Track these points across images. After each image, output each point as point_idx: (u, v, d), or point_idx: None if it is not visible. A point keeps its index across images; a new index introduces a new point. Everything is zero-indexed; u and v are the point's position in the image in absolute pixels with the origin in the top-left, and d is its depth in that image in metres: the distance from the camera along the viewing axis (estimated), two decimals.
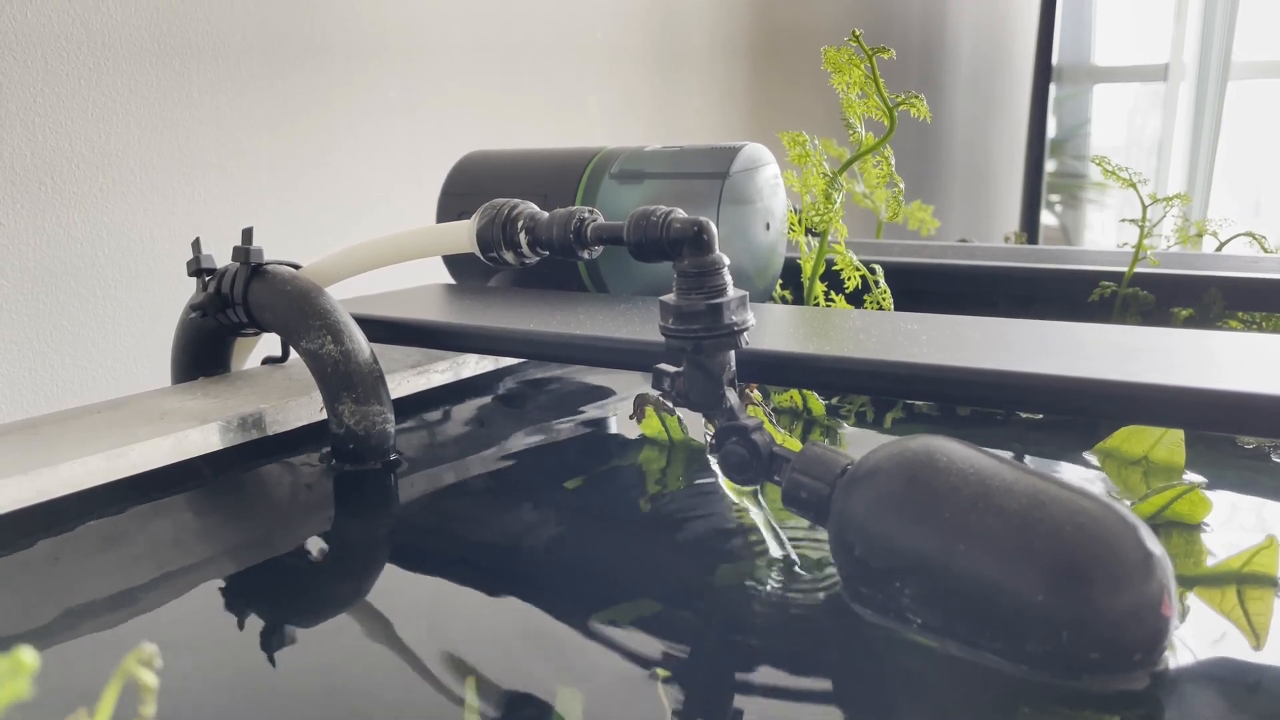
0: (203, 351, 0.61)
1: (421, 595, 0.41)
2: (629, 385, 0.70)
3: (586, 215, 0.49)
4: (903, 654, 0.35)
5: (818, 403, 0.61)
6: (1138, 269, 0.70)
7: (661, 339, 0.42)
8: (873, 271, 0.70)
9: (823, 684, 0.34)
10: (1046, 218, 2.61)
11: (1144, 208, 0.68)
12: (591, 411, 0.66)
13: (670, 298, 0.41)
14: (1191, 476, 0.50)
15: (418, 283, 0.74)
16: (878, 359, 0.45)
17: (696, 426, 0.53)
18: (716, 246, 0.42)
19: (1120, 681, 0.31)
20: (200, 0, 0.90)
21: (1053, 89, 2.38)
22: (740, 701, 0.33)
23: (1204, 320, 0.68)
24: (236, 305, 0.56)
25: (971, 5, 2.59)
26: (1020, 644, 0.31)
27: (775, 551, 0.42)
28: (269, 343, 0.64)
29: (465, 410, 0.66)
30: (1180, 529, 0.44)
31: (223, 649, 0.36)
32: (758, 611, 0.38)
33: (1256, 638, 0.35)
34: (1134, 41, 2.69)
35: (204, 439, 0.51)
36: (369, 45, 1.06)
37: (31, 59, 0.78)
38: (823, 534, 0.40)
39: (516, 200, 0.53)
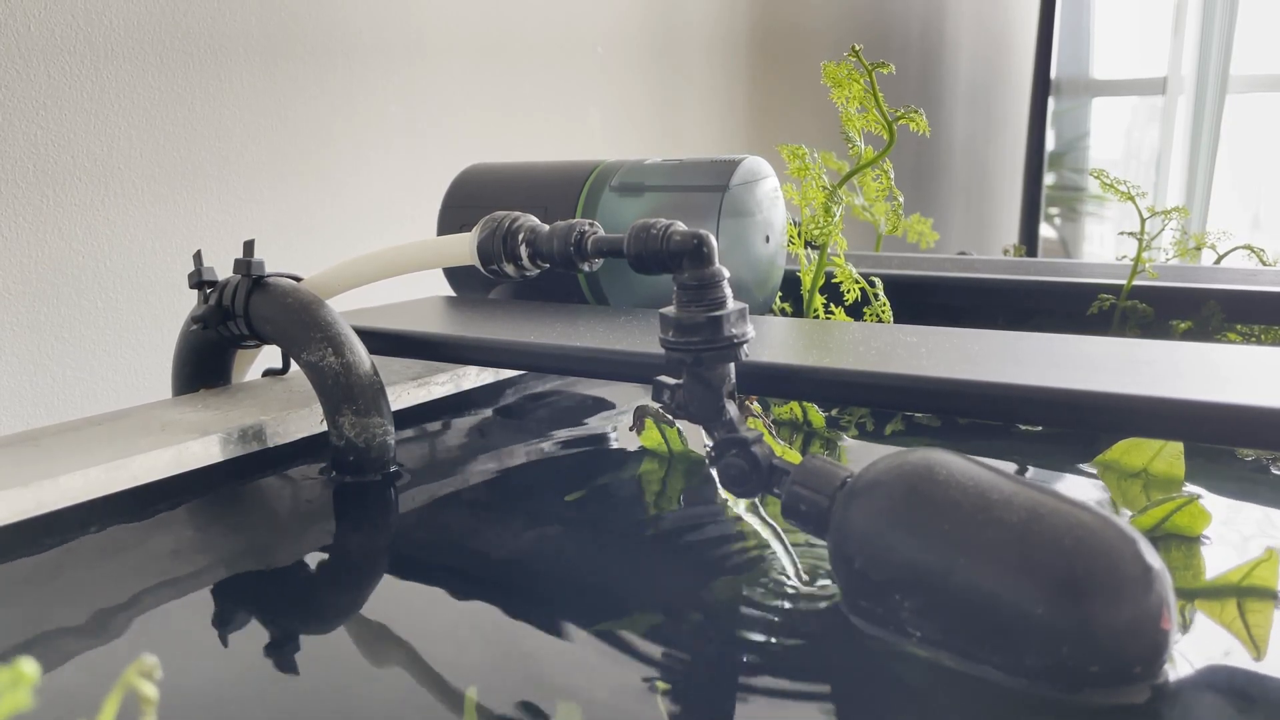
0: (204, 363, 0.61)
1: (421, 608, 0.41)
2: (629, 397, 0.70)
3: (587, 228, 0.49)
4: (902, 667, 0.34)
5: (818, 415, 0.62)
6: (1136, 281, 0.70)
7: (661, 351, 0.42)
8: (872, 284, 0.70)
9: (822, 697, 0.34)
10: (1045, 230, 2.62)
11: (1142, 221, 0.68)
12: (591, 424, 0.66)
13: (670, 310, 0.42)
14: (1191, 489, 0.50)
15: (418, 295, 0.75)
16: (877, 371, 0.45)
17: (696, 438, 0.53)
18: (716, 259, 0.42)
19: (1120, 695, 0.31)
20: (201, 13, 0.90)
21: (1051, 102, 2.39)
22: (739, 715, 0.33)
23: (1203, 333, 0.68)
24: (238, 317, 0.56)
25: (970, 19, 2.61)
26: (1020, 657, 0.31)
27: (786, 565, 0.42)
28: (270, 355, 0.64)
29: (465, 422, 0.66)
30: (1180, 541, 0.44)
31: (223, 661, 0.36)
32: (757, 624, 0.38)
33: (1257, 649, 0.35)
34: (1132, 55, 2.70)
35: (205, 451, 0.51)
36: (370, 59, 1.06)
37: (34, 71, 0.79)
38: (822, 545, 0.40)
39: (517, 213, 0.53)
